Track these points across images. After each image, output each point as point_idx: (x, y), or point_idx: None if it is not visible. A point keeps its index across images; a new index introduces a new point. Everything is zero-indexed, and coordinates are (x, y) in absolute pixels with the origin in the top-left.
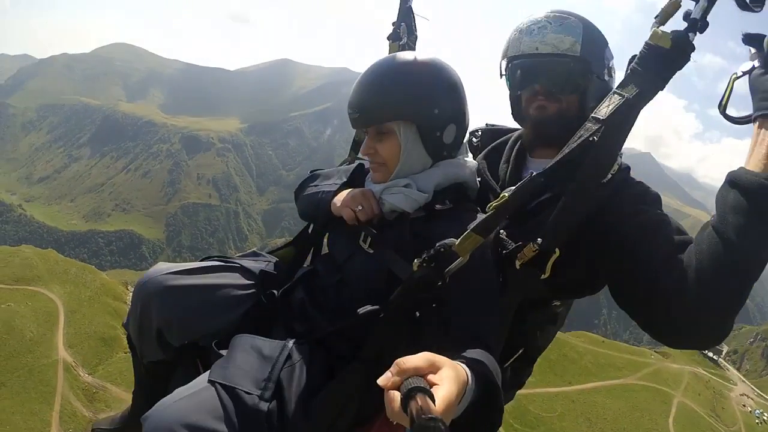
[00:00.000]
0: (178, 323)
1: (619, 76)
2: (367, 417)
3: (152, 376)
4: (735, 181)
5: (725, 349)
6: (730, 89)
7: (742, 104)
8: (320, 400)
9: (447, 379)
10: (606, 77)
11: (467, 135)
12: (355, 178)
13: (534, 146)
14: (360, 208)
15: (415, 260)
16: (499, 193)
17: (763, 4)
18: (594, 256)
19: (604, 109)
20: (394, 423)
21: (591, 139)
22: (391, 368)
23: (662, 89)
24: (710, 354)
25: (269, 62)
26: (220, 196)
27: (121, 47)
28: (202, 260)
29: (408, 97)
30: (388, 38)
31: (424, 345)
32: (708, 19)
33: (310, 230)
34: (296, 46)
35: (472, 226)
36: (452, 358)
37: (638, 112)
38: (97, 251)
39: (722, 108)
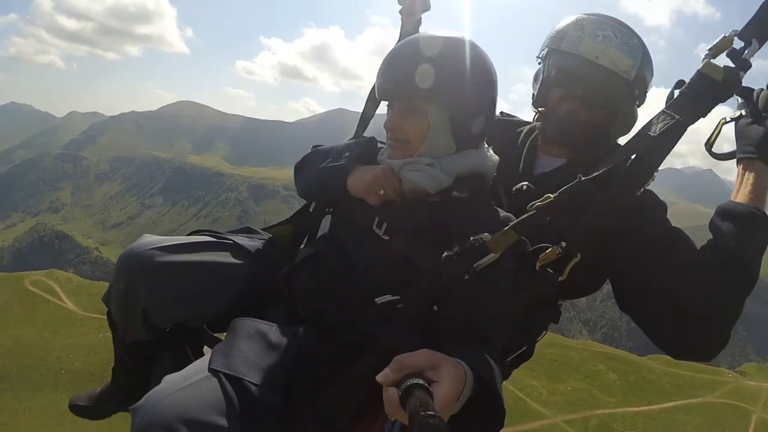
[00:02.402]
0: (167, 304)
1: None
2: (368, 411)
3: (135, 356)
4: (728, 212)
5: None
6: (717, 132)
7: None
8: (331, 395)
9: (446, 376)
10: (639, 101)
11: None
12: (367, 154)
13: (546, 142)
14: (382, 192)
15: (445, 253)
16: (521, 187)
17: None
18: (610, 260)
19: (653, 127)
20: (393, 419)
21: (639, 152)
22: (390, 365)
23: (704, 117)
24: None
25: (324, 113)
26: None
27: (185, 105)
28: (190, 234)
29: (450, 80)
30: (401, 12)
31: (431, 339)
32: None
33: (311, 209)
34: (349, 96)
35: (511, 223)
36: (454, 353)
37: (681, 135)
38: None
39: (709, 147)
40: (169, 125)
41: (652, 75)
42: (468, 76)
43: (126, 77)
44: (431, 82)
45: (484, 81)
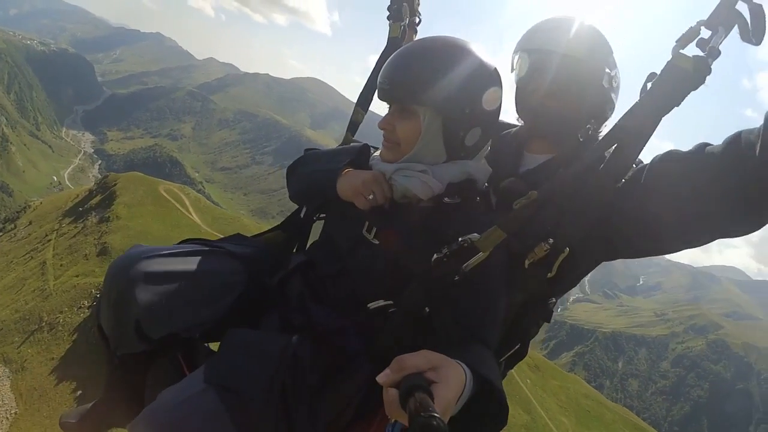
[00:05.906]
0: (161, 314)
1: (628, 84)
2: (368, 411)
3: (126, 369)
4: None
5: None
6: None
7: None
8: (327, 401)
9: (445, 377)
10: (606, 84)
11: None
12: (360, 159)
13: (530, 139)
14: (371, 196)
15: (435, 255)
16: (507, 184)
17: (762, 38)
18: (606, 245)
19: (629, 119)
20: (393, 420)
21: (614, 145)
22: (391, 366)
23: (677, 106)
24: None
25: None
26: None
27: (314, 81)
28: (181, 243)
29: (445, 88)
30: (389, 18)
31: (427, 341)
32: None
33: (302, 214)
34: None
35: (496, 222)
36: (452, 354)
37: (656, 125)
38: None
39: None
40: (295, 96)
41: (609, 53)
42: (468, 86)
43: (266, 41)
44: (428, 88)
45: (486, 93)
